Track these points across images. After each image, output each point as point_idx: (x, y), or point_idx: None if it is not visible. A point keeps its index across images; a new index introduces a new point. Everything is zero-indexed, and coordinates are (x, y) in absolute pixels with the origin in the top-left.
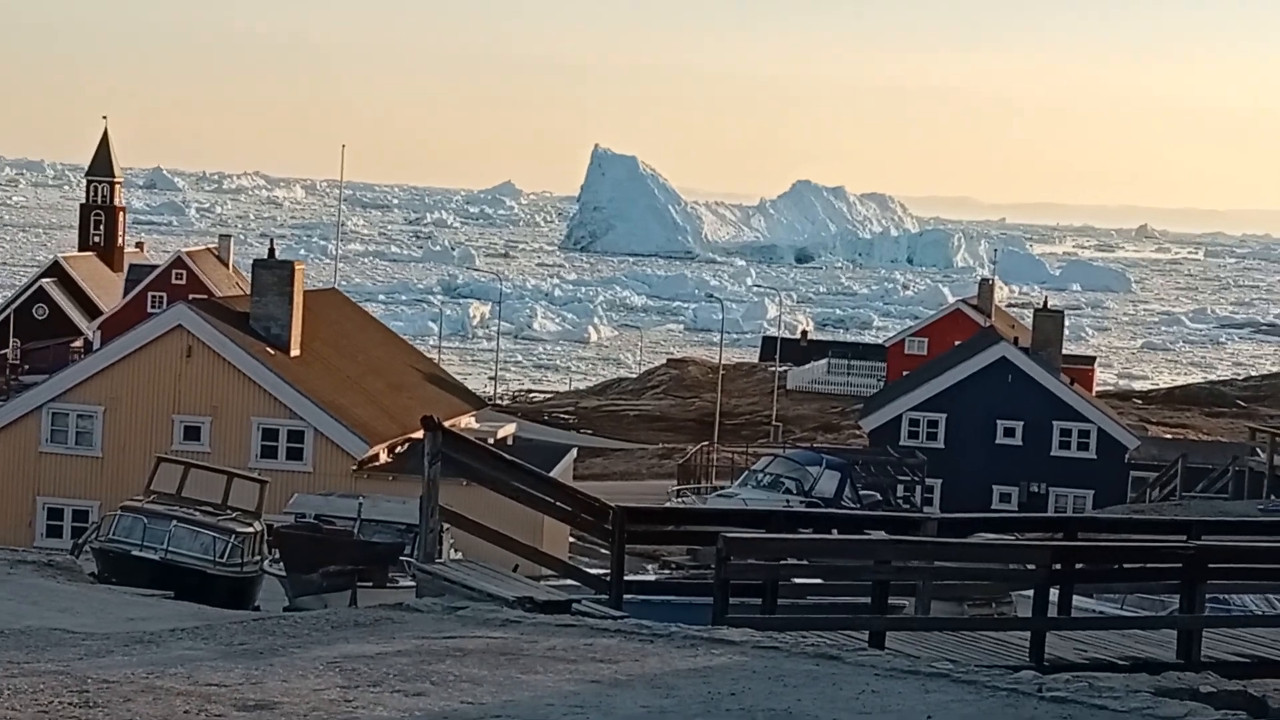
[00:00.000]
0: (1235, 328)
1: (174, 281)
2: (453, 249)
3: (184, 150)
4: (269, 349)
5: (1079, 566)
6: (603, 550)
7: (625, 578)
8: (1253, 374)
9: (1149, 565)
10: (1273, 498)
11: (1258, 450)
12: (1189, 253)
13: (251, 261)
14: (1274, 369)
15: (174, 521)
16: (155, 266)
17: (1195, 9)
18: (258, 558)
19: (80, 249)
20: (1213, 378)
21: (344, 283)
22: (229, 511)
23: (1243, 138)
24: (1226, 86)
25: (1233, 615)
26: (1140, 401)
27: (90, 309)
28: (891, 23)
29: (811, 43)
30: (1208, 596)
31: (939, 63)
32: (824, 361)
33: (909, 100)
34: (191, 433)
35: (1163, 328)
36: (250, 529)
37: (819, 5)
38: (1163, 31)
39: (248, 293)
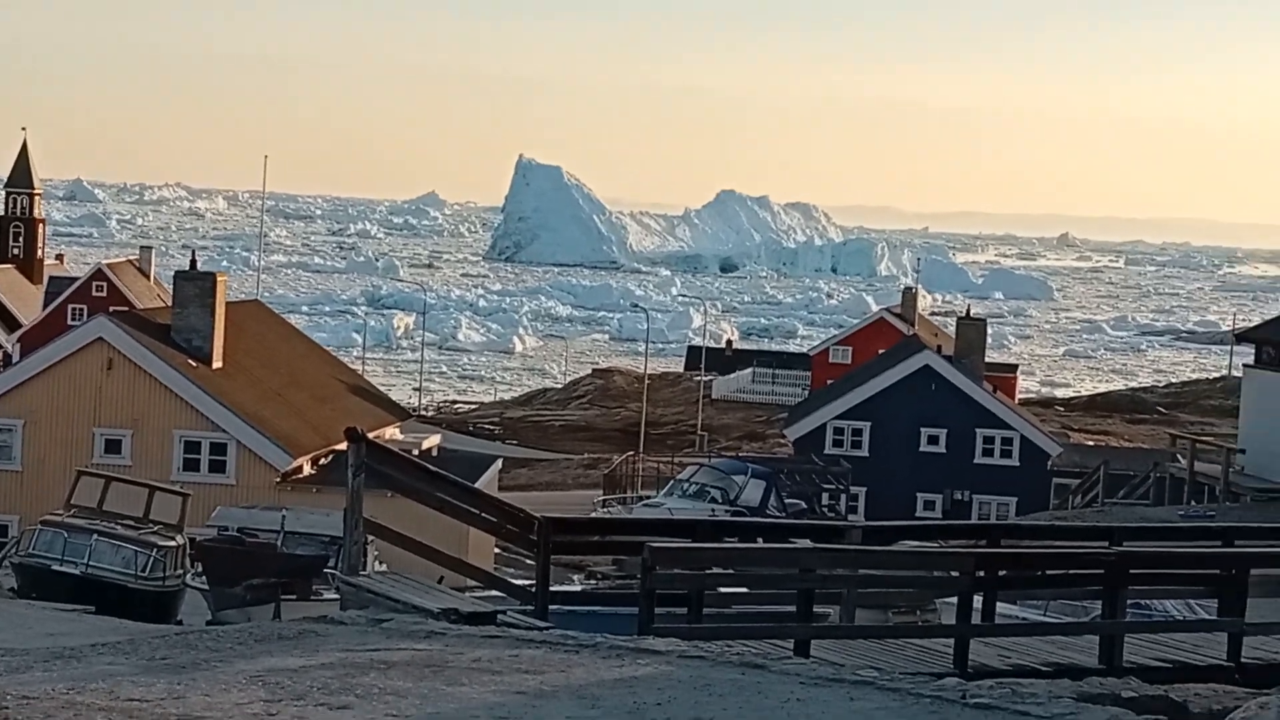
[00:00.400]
0: (1156, 335)
1: (94, 294)
2: (376, 260)
3: (105, 161)
4: (191, 361)
5: (1002, 573)
6: (528, 561)
7: (551, 588)
8: (1173, 381)
9: (1071, 571)
10: (1193, 503)
11: (1178, 456)
12: (1110, 261)
13: (173, 273)
14: (1194, 376)
15: (95, 535)
16: (75, 279)
17: (1113, 23)
18: (180, 571)
19: None
20: (1133, 385)
21: (267, 294)
22: (151, 525)
23: (1163, 148)
24: (1147, 98)
25: (1154, 620)
26: (1062, 409)
27: (9, 322)
28: (814, 36)
29: (736, 55)
30: (1129, 602)
31: (861, 75)
32: (749, 371)
33: (833, 111)
34: (113, 446)
35: (1084, 335)
36: (172, 542)
37: (743, 19)
38: (1082, 44)
39: (169, 305)
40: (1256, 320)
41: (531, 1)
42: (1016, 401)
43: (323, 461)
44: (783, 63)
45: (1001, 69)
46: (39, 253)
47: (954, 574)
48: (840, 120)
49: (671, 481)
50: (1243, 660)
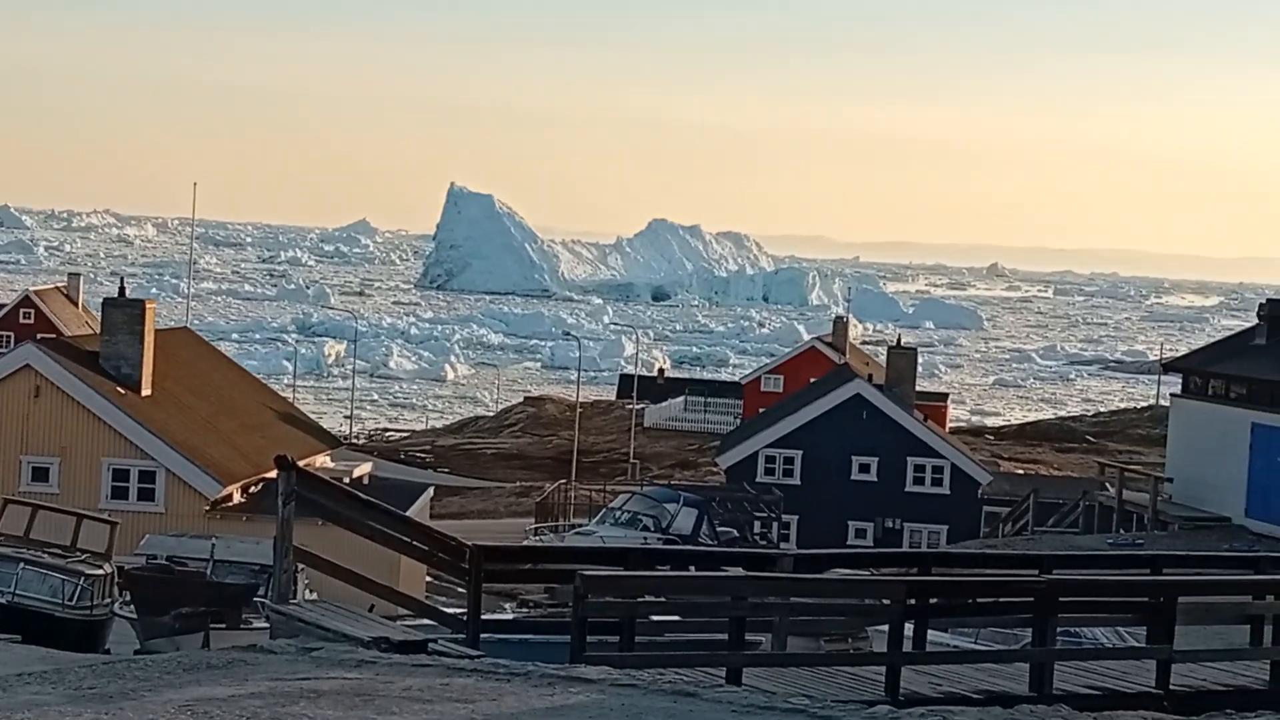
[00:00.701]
0: (1084, 364)
1: (22, 321)
2: (307, 287)
3: (32, 187)
4: (119, 388)
5: (933, 601)
6: (460, 589)
7: (482, 616)
8: (1101, 410)
9: (1002, 599)
10: (1122, 532)
11: (1107, 485)
12: (1039, 291)
13: (102, 300)
14: (1122, 405)
15: (21, 564)
16: (2, 306)
17: (1039, 58)
18: (108, 600)
19: None
20: (1062, 414)
21: (196, 321)
22: (78, 553)
23: (1091, 179)
24: (1075, 130)
25: (1084, 648)
26: (992, 437)
27: None
28: (746, 66)
29: (668, 85)
30: (1059, 629)
31: (793, 106)
32: (681, 399)
33: (764, 141)
34: (40, 474)
35: (1014, 365)
36: (100, 571)
37: (675, 50)
38: (1008, 76)
39: (98, 332)
40: (1183, 350)
41: (463, 29)
42: (947, 430)
43: (253, 489)
44: (714, 93)
45: (932, 101)
46: None
47: (885, 602)
48: (772, 150)
49: (604, 509)
50: (1171, 687)
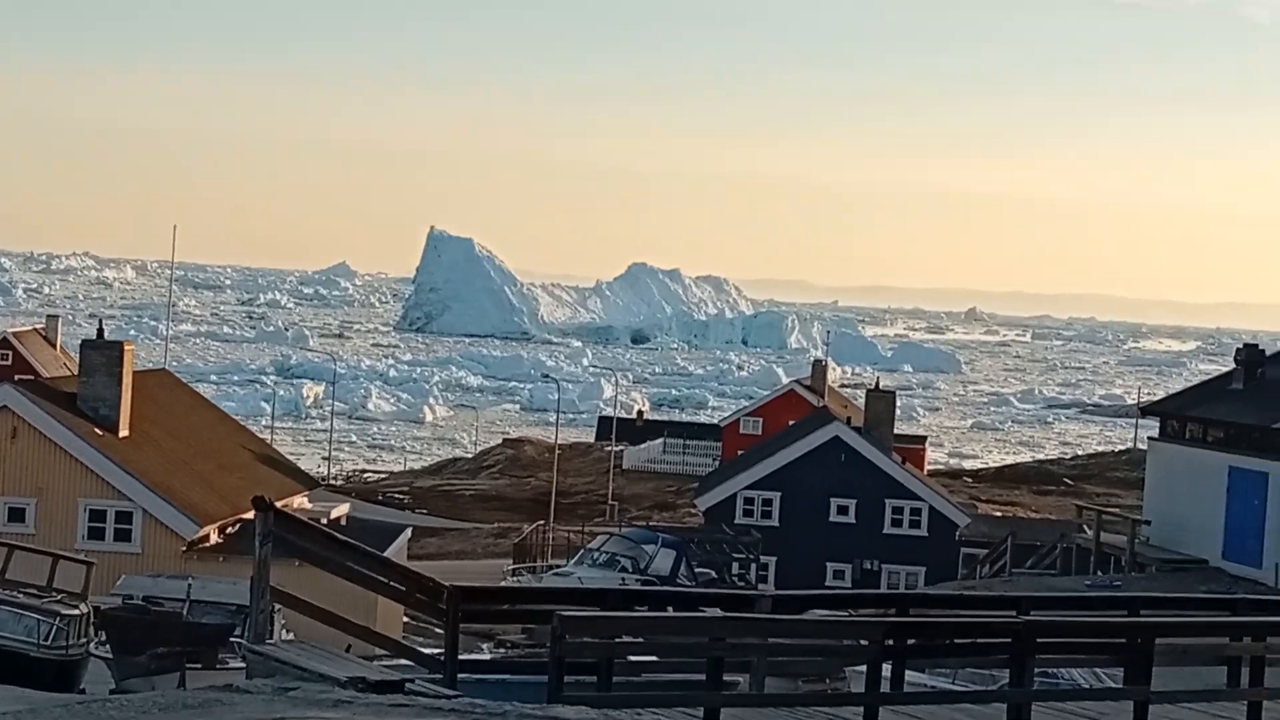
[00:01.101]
0: (1062, 408)
1: None
2: (286, 330)
3: (10, 229)
4: (97, 430)
5: (911, 642)
6: (437, 630)
7: (460, 657)
8: (1079, 453)
9: (980, 640)
10: (1099, 573)
11: (1084, 527)
12: (1017, 335)
13: (80, 342)
14: (1100, 448)
15: None
16: None
17: (1019, 100)
18: (84, 640)
19: None
20: (1040, 456)
21: (175, 363)
22: (54, 593)
23: (1069, 225)
24: (1052, 176)
25: (1061, 689)
26: (970, 480)
27: None
28: (722, 112)
29: (646, 130)
30: (1037, 670)
31: (773, 151)
32: (659, 441)
33: (744, 187)
34: (16, 514)
35: (992, 408)
36: (76, 611)
37: (656, 96)
38: (991, 121)
39: (76, 374)
40: (1161, 394)
41: (440, 76)
42: (925, 473)
43: (230, 530)
44: (693, 138)
45: (910, 146)
46: None
47: (863, 642)
48: (751, 195)
49: (582, 550)
50: None
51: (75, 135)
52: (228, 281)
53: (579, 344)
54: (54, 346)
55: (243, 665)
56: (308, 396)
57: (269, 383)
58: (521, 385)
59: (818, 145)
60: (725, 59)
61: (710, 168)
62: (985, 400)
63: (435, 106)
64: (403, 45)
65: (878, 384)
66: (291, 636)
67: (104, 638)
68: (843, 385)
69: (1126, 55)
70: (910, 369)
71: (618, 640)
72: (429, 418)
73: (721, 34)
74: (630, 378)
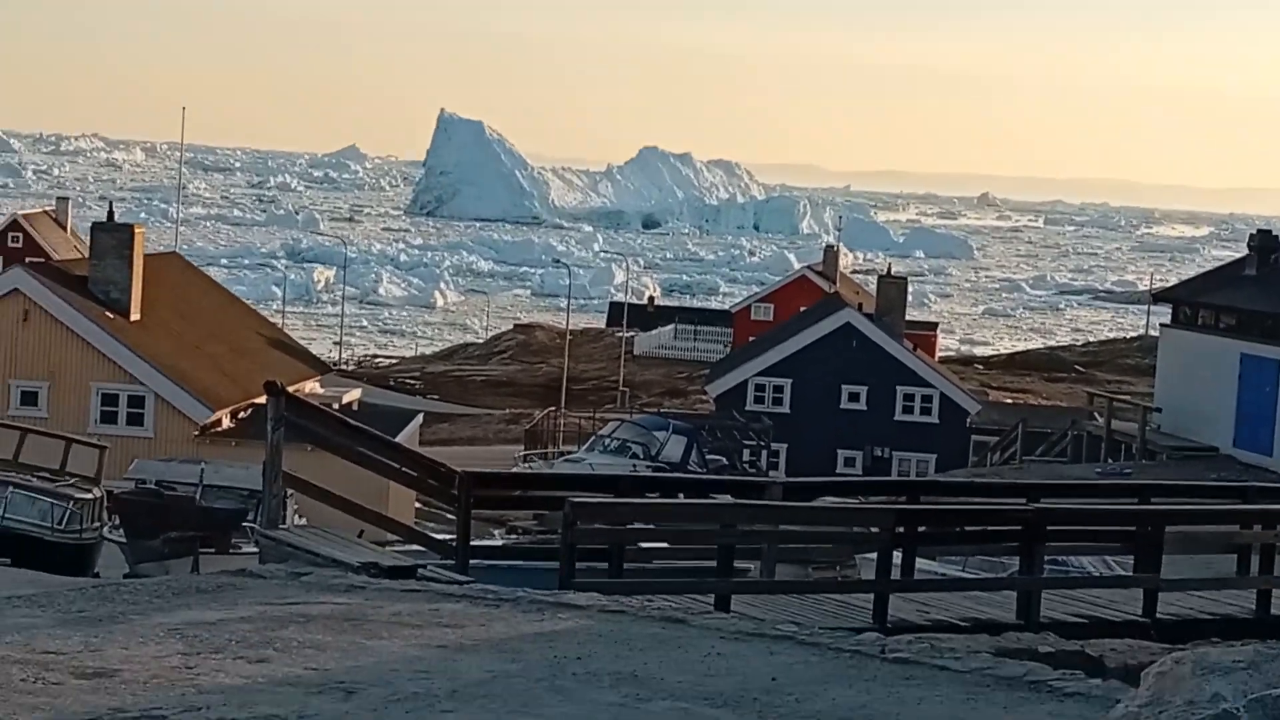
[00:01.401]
0: (1074, 294)
1: (10, 245)
2: (296, 213)
3: (19, 110)
4: (108, 313)
5: (921, 530)
6: (449, 516)
7: (471, 543)
8: (1090, 340)
9: (990, 528)
10: (1110, 461)
11: (1095, 415)
12: (1029, 220)
13: (90, 225)
14: (1111, 335)
15: (10, 487)
16: None
17: None
18: (97, 524)
19: None
20: (1052, 343)
21: (185, 247)
22: (67, 478)
23: (1082, 109)
24: (1067, 60)
25: (1071, 576)
26: (981, 367)
27: None
28: None
29: (657, 10)
30: (1046, 558)
31: (785, 32)
32: (670, 327)
33: (757, 68)
34: (29, 398)
35: (1003, 294)
36: (89, 495)
37: None
38: (1008, 6)
39: (86, 257)
40: (1173, 280)
41: None
42: (936, 360)
43: (242, 415)
44: (705, 17)
45: (928, 28)
46: None
47: (874, 530)
48: (764, 78)
49: (593, 437)
50: (1158, 616)
51: (82, 14)
52: (237, 164)
53: (590, 229)
54: (64, 229)
55: (256, 550)
56: (318, 281)
57: (279, 267)
58: (532, 270)
59: (833, 25)
60: None
61: (723, 48)
62: (997, 286)
63: None
64: None
65: (889, 270)
66: (304, 522)
67: (117, 522)
68: (854, 271)
69: None
70: (922, 255)
71: (629, 527)
72: (440, 303)
73: None
74: (641, 263)
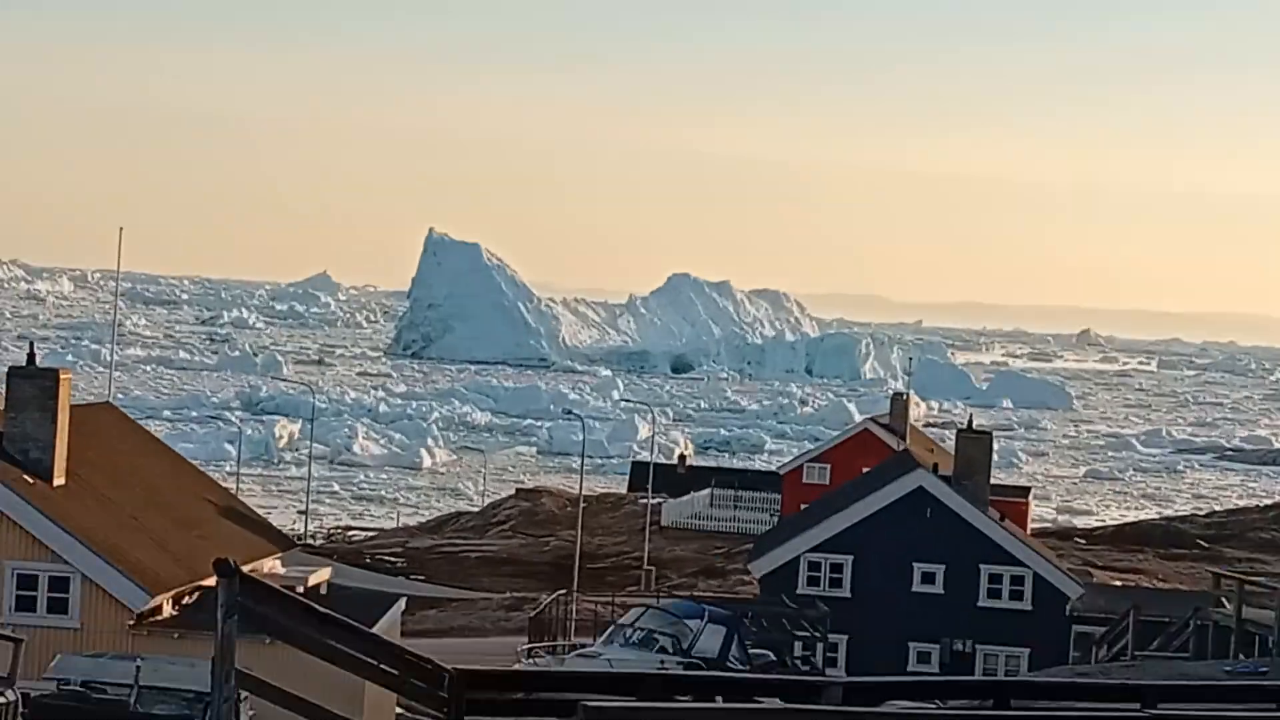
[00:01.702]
0: (1195, 453)
1: None
2: (255, 355)
3: None
4: (26, 477)
5: None
6: None
7: None
8: (1216, 509)
9: None
10: (1242, 656)
11: (1223, 600)
12: (1140, 363)
13: (6, 369)
14: (1240, 503)
15: None
16: None
17: (1131, 80)
18: None
19: None
20: (1169, 513)
21: (121, 396)
22: None
23: (1201, 231)
24: (1185, 174)
25: None
26: (1084, 541)
27: None
28: (783, 92)
29: (691, 114)
30: None
31: (841, 137)
32: (706, 492)
33: (807, 180)
34: None
35: (1109, 453)
36: (2, 699)
37: (697, 73)
38: (1111, 109)
39: (1, 408)
40: None
41: (444, 48)
42: (1029, 532)
43: (186, 600)
44: (746, 123)
45: (1011, 134)
46: None
47: None
48: (817, 191)
49: (612, 627)
50: None
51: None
52: (184, 296)
53: (608, 373)
54: None
55: None
56: (281, 437)
57: (234, 420)
58: (538, 423)
59: (894, 130)
60: (779, 27)
61: (766, 158)
62: (1101, 443)
63: (435, 85)
64: (395, 14)
65: (970, 422)
66: None
67: None
68: (928, 424)
69: None
70: (1010, 404)
71: None
72: (427, 463)
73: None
74: (670, 414)
